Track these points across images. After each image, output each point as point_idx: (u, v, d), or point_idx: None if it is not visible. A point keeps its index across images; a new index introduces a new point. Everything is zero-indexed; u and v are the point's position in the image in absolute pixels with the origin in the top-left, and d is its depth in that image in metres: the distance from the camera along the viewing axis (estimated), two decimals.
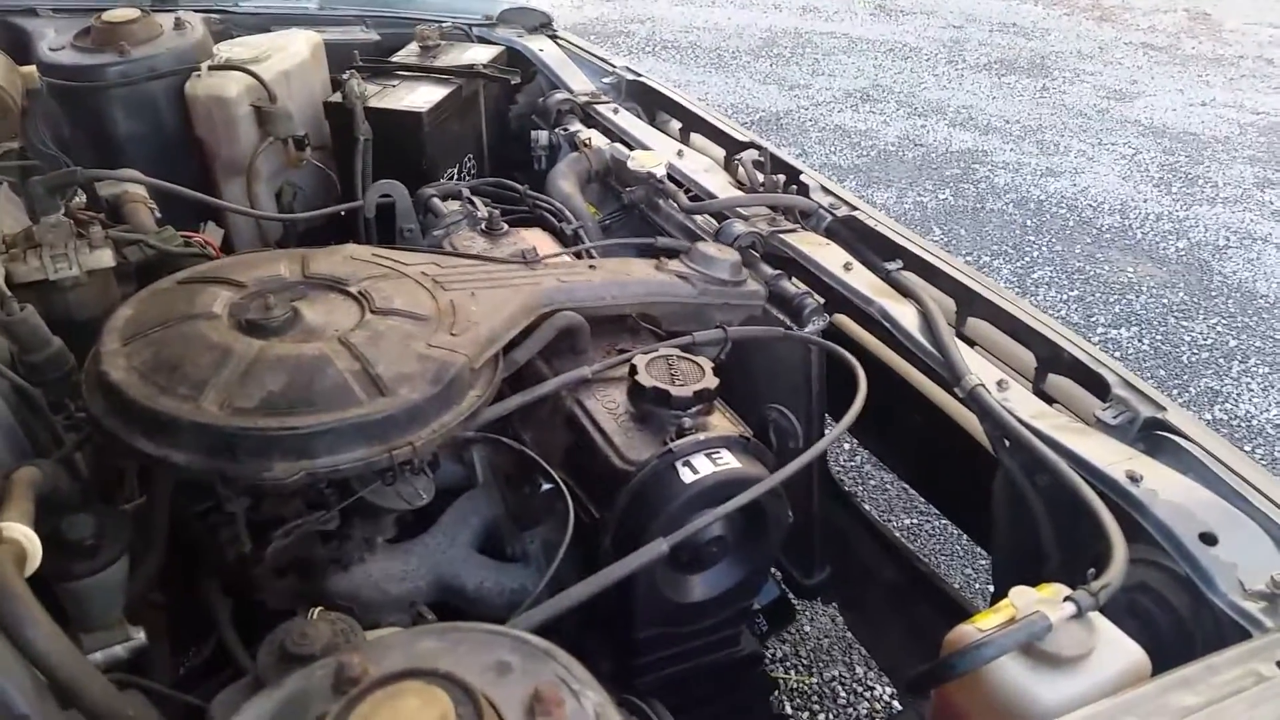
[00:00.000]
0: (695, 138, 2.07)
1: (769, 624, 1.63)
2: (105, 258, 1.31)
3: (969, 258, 3.92)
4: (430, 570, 1.26)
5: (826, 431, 1.55)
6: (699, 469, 1.12)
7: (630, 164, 1.80)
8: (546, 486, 1.24)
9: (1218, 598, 0.97)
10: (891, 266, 1.56)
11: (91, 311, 1.35)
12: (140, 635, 1.08)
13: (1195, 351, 3.38)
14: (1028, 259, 3.98)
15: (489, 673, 0.72)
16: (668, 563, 1.12)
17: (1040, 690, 0.89)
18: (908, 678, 0.97)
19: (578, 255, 1.56)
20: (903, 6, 7.34)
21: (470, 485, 1.36)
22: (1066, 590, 0.95)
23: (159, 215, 1.53)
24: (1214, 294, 3.75)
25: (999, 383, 1.30)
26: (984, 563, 2.47)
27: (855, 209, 1.68)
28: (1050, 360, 1.37)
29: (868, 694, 2.20)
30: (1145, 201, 4.49)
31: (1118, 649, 0.92)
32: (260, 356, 1.06)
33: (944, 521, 2.59)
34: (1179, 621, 1.02)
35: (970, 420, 1.40)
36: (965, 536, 2.54)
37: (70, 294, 1.33)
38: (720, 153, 1.95)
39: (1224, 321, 3.56)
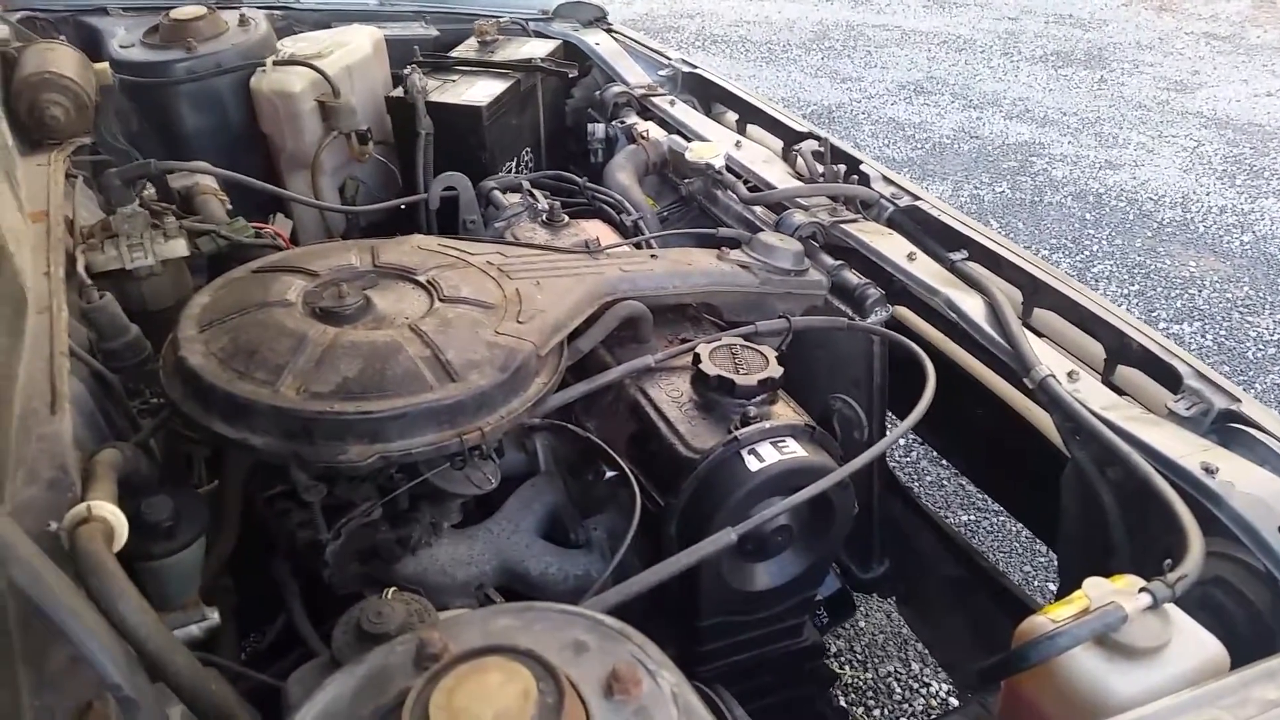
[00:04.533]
0: (752, 129, 2.06)
1: (830, 616, 1.62)
2: (180, 247, 1.34)
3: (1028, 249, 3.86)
4: (495, 555, 1.27)
5: (888, 424, 1.54)
6: (765, 457, 1.12)
7: (688, 155, 1.80)
8: (610, 474, 1.25)
9: None
10: (956, 257, 1.55)
11: (165, 300, 1.39)
12: (214, 616, 1.10)
13: (1261, 347, 3.29)
14: (1087, 253, 3.90)
15: (566, 651, 0.73)
16: (733, 551, 1.12)
17: (1115, 682, 0.87)
18: (978, 668, 0.96)
19: (638, 246, 1.56)
20: None
21: (533, 472, 1.37)
22: (1141, 582, 0.94)
23: (229, 207, 1.56)
24: None
25: (1069, 374, 1.28)
26: (1043, 560, 2.43)
27: (918, 199, 1.67)
28: (1120, 351, 1.35)
29: (923, 690, 2.18)
30: (1208, 194, 4.38)
31: (1195, 642, 0.91)
32: (335, 343, 1.08)
33: (1002, 518, 2.56)
34: (1256, 616, 1.00)
35: (1035, 413, 1.39)
36: (1023, 534, 2.50)
37: (145, 283, 1.36)
38: (778, 144, 1.95)
39: None
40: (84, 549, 0.79)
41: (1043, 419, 1.35)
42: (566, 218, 1.60)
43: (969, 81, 5.69)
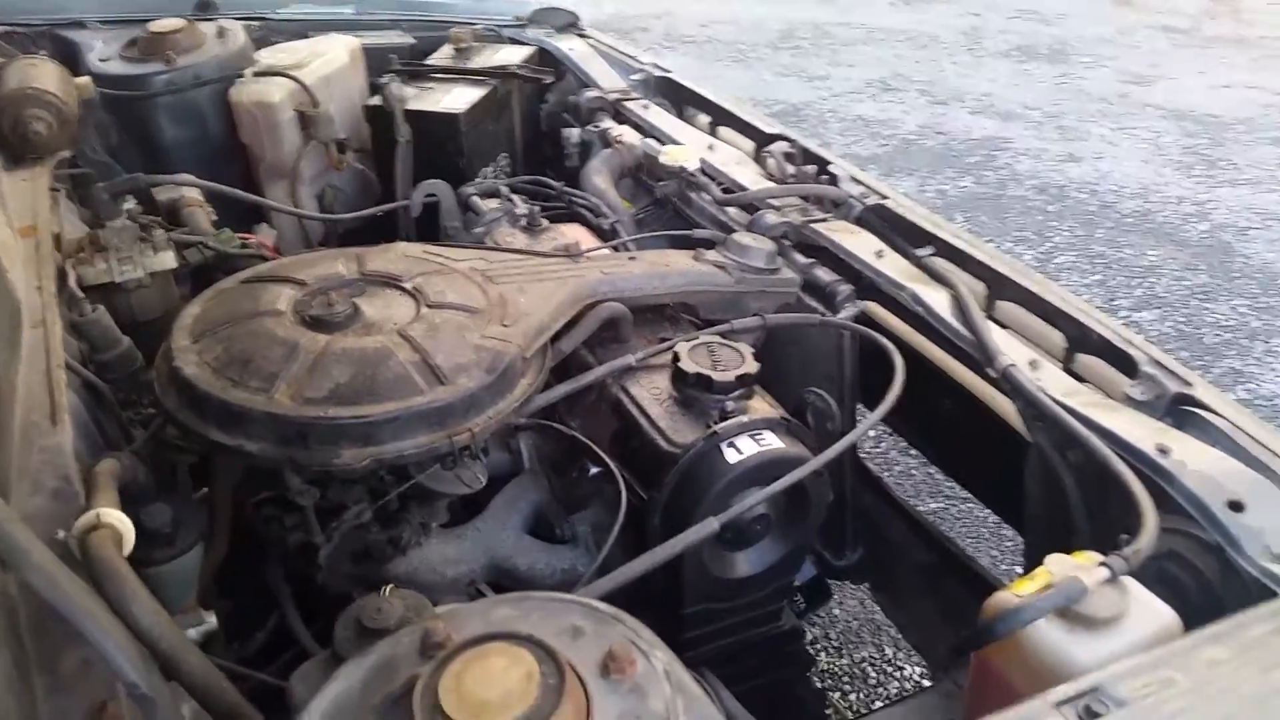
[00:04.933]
0: (723, 131, 2.11)
1: (806, 602, 1.68)
2: (168, 260, 1.37)
3: (992, 244, 3.94)
4: (484, 553, 1.32)
5: (859, 416, 1.60)
6: (743, 450, 1.17)
7: (662, 159, 1.85)
8: (595, 470, 1.30)
9: (1245, 562, 1.02)
10: (922, 253, 1.60)
11: (153, 311, 1.42)
12: (211, 619, 1.14)
13: (1218, 333, 3.39)
14: (1050, 244, 4.00)
15: (563, 636, 0.77)
16: (714, 540, 1.17)
17: (1076, 650, 0.93)
18: (951, 643, 1.01)
19: (615, 249, 1.61)
20: None
21: (516, 472, 1.42)
22: (1100, 557, 0.99)
23: (215, 218, 1.59)
24: (1236, 276, 3.76)
25: (1031, 363, 1.34)
26: (1010, 545, 2.51)
27: (885, 197, 1.72)
28: (1079, 340, 1.41)
29: (897, 674, 2.24)
30: (1167, 185, 4.49)
31: (1150, 611, 0.97)
32: (326, 350, 1.12)
33: (969, 505, 2.63)
34: (1207, 586, 1.07)
35: (1000, 401, 1.44)
36: (990, 519, 2.58)
37: (133, 295, 1.39)
38: (749, 145, 2.00)
39: (1247, 303, 3.57)
40: (96, 554, 0.82)
41: (1006, 407, 1.41)
42: (545, 222, 1.64)
43: (934, 78, 5.79)
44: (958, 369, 1.55)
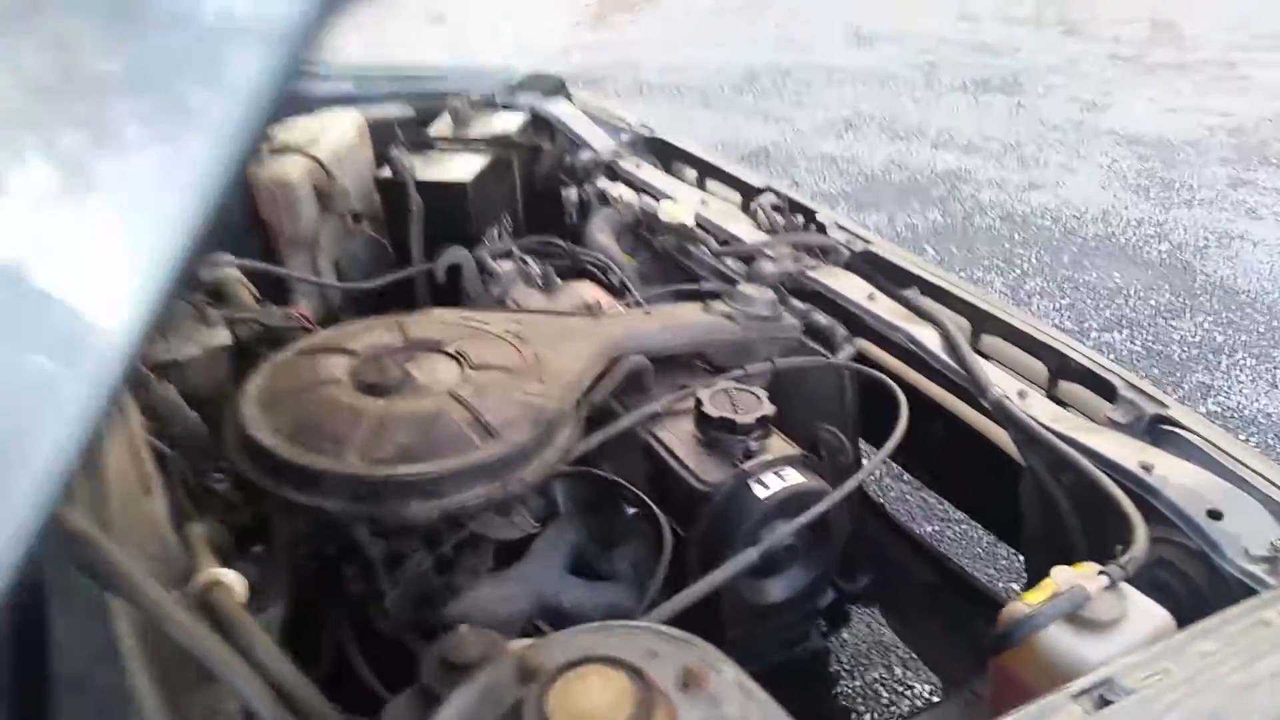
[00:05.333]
0: (711, 184, 2.25)
1: (829, 624, 1.78)
2: (223, 336, 1.48)
3: (961, 274, 4.11)
4: (531, 593, 1.41)
5: (862, 448, 1.72)
6: (769, 485, 1.29)
7: (661, 215, 1.97)
8: (631, 511, 1.41)
9: (1227, 564, 1.14)
10: (909, 293, 1.73)
11: (208, 387, 1.52)
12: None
13: (1185, 349, 3.56)
14: (1018, 271, 4.17)
15: (644, 657, 0.88)
16: (749, 571, 1.28)
17: (1084, 650, 1.05)
18: (985, 644, 1.12)
19: (626, 305, 1.73)
20: (877, 34, 7.61)
21: (553, 517, 1.52)
22: (1098, 567, 1.11)
23: (257, 295, 1.70)
24: (1198, 293, 3.94)
25: (1019, 393, 1.47)
26: (1005, 563, 2.63)
27: (870, 243, 1.86)
28: (1060, 369, 1.54)
29: (908, 692, 2.35)
30: (1126, 208, 4.70)
31: (1146, 612, 1.09)
32: (387, 414, 1.23)
33: (964, 527, 2.76)
34: (1195, 589, 1.19)
35: (992, 430, 1.57)
36: (984, 540, 2.70)
37: (189, 370, 1.49)
38: (737, 197, 2.13)
39: (1210, 318, 3.75)
40: (221, 608, 0.92)
41: (999, 434, 1.53)
42: (559, 280, 1.76)
43: (895, 114, 6.00)
44: (951, 401, 1.67)
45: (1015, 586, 2.47)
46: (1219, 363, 3.46)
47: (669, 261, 2.00)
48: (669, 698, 0.83)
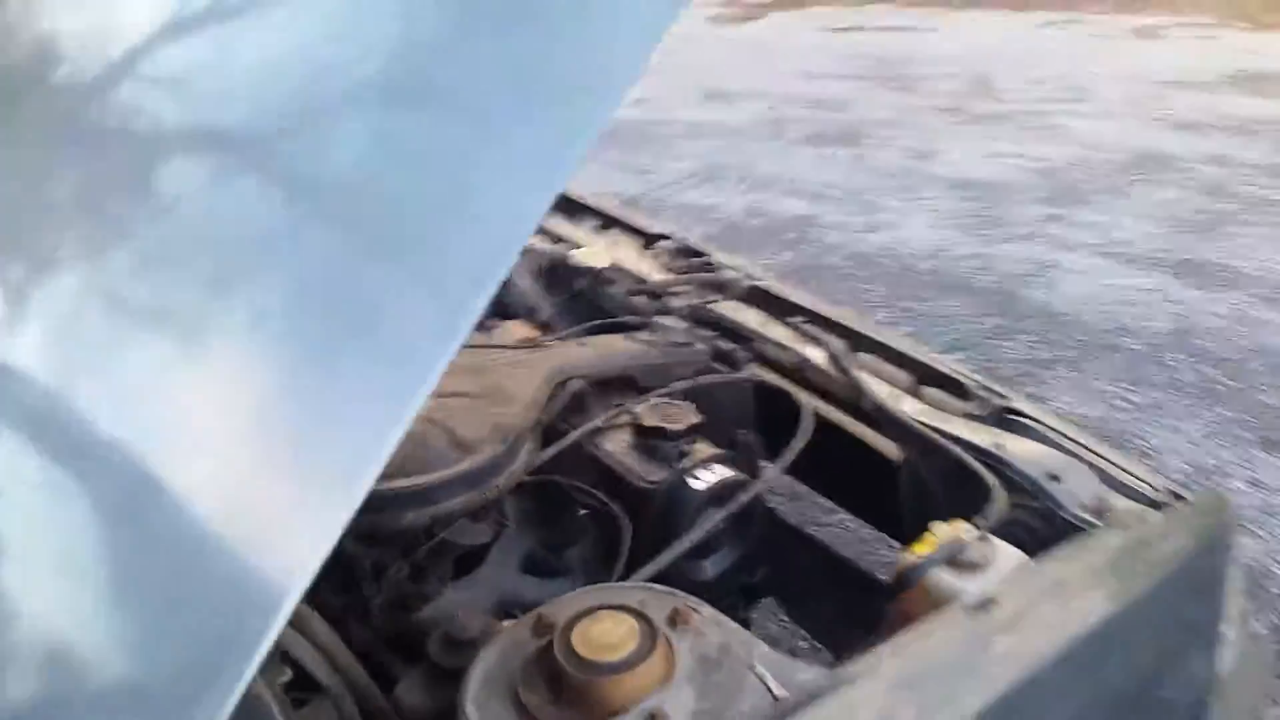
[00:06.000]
0: (611, 232, 2.51)
1: (746, 600, 2.02)
2: None
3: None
4: (493, 591, 1.61)
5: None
6: (703, 478, 1.54)
7: (576, 260, 2.22)
8: (582, 512, 1.63)
9: (1065, 514, 1.46)
10: (795, 320, 2.03)
11: None
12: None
13: (1014, 366, 4.05)
14: (866, 304, 4.61)
15: (639, 604, 1.11)
16: (689, 553, 1.52)
17: (963, 586, 1.34)
18: (890, 582, 1.39)
19: (559, 339, 1.97)
20: (729, 93, 8.14)
21: (505, 528, 1.73)
22: (969, 524, 1.41)
23: None
24: (1022, 316, 4.47)
25: (893, 396, 1.78)
26: (884, 554, 2.95)
27: (760, 279, 2.16)
28: (923, 376, 1.85)
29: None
30: (955, 245, 5.25)
31: (1008, 554, 1.38)
32: None
33: (849, 523, 3.07)
34: (1041, 536, 1.50)
35: (869, 434, 1.87)
36: (863, 532, 3.02)
37: None
38: (637, 243, 2.40)
39: (1034, 338, 4.27)
40: None
41: (876, 439, 1.83)
42: (498, 320, 1.98)
43: (749, 166, 6.47)
44: (833, 412, 1.97)
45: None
46: (1044, 376, 3.95)
47: (584, 301, 2.25)
48: (665, 633, 1.07)
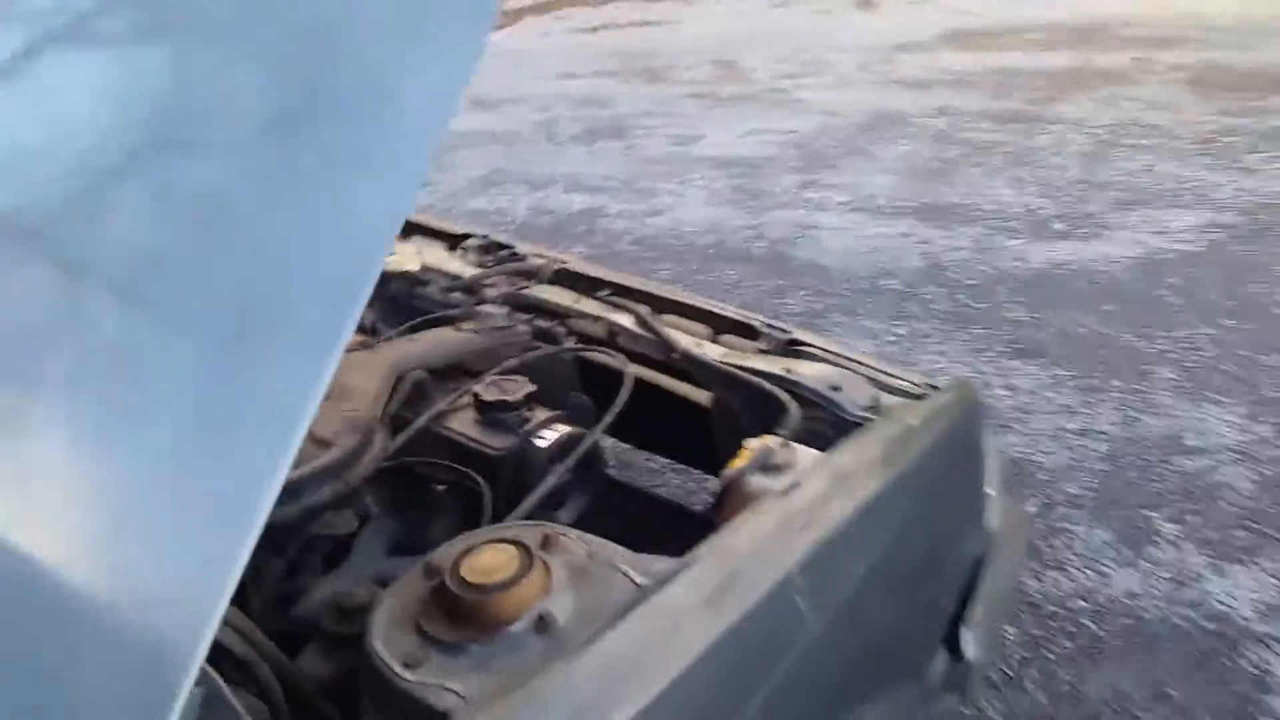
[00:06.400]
0: (417, 238, 2.65)
1: None
2: None
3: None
4: (365, 578, 1.73)
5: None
6: (546, 437, 1.73)
7: (385, 268, 2.35)
8: (441, 487, 1.78)
9: (846, 415, 1.75)
10: (604, 293, 2.26)
11: None
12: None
13: (796, 318, 4.45)
14: (657, 280, 4.90)
15: (514, 537, 1.29)
16: (541, 507, 1.71)
17: (775, 484, 1.59)
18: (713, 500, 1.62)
19: (386, 338, 2.10)
20: (497, 99, 8.29)
21: (368, 517, 1.85)
22: (773, 437, 1.67)
23: None
24: (795, 274, 4.90)
25: (696, 344, 2.03)
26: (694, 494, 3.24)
27: (565, 261, 2.37)
28: (718, 326, 2.13)
29: None
30: (729, 219, 5.65)
31: (806, 454, 1.65)
32: None
33: (669, 474, 3.34)
34: (829, 437, 1.79)
35: (680, 386, 2.12)
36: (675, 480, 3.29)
37: None
38: (444, 244, 2.56)
39: (807, 293, 4.70)
40: None
41: (686, 386, 2.08)
42: None
43: (526, 168, 6.67)
44: (647, 372, 2.21)
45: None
46: (821, 325, 4.38)
47: (402, 304, 2.38)
48: (539, 554, 1.25)
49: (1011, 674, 2.72)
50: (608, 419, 1.77)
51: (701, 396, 2.09)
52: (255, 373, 0.95)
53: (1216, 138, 6.01)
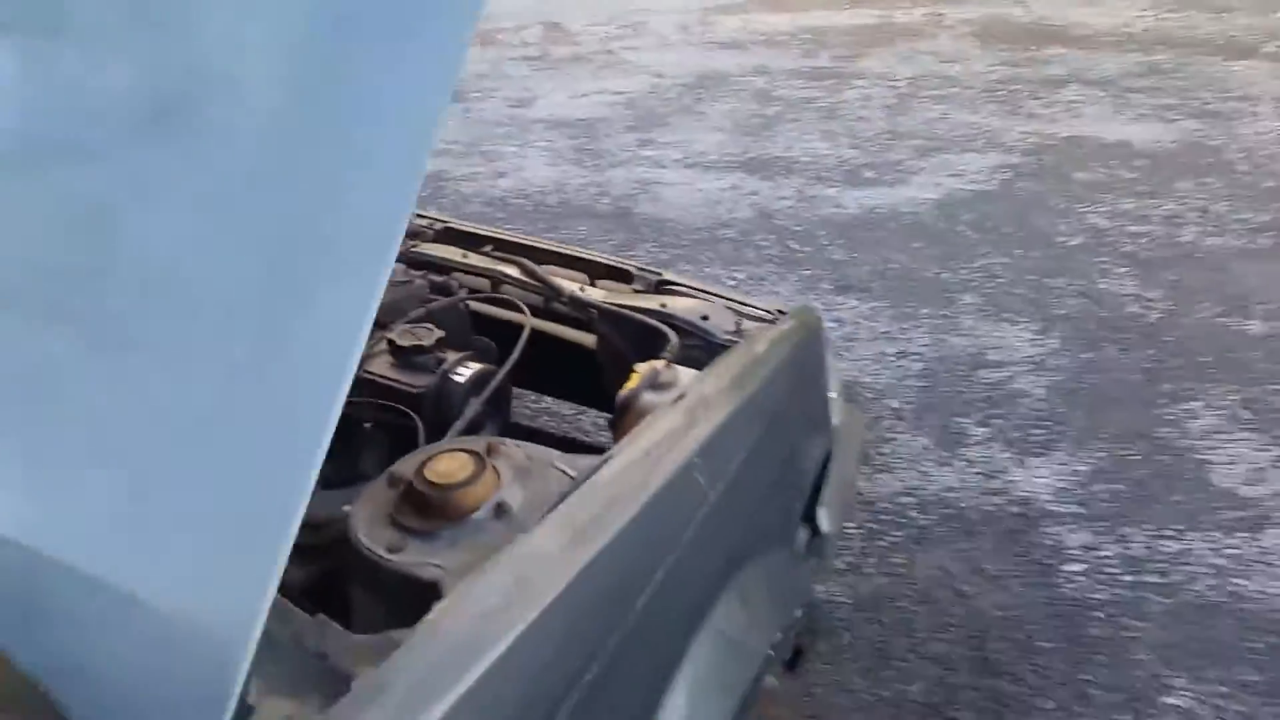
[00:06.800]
0: None
1: None
2: None
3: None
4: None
5: None
6: (461, 374, 1.97)
7: None
8: (366, 425, 2.00)
9: (716, 339, 2.07)
10: (486, 249, 2.50)
11: None
12: None
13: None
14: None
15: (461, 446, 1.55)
16: (462, 432, 1.96)
17: (661, 399, 1.90)
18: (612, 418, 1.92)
19: None
20: None
21: None
22: (657, 362, 1.98)
23: None
24: (639, 228, 5.23)
25: (580, 288, 2.31)
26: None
27: (448, 221, 2.59)
28: (596, 273, 2.41)
29: None
30: (572, 178, 5.91)
31: (687, 374, 1.94)
32: None
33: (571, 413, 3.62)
34: (695, 359, 2.11)
35: (568, 332, 2.38)
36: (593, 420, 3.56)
37: None
38: None
39: (653, 244, 5.03)
40: None
41: (574, 333, 2.35)
42: None
43: None
44: (533, 320, 2.46)
45: None
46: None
47: None
48: (487, 460, 1.52)
49: (854, 561, 3.18)
50: (514, 356, 2.03)
51: (587, 340, 2.36)
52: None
53: (1001, 86, 6.70)
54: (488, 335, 2.30)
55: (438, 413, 1.95)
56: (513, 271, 2.38)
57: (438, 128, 1.03)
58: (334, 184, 1.08)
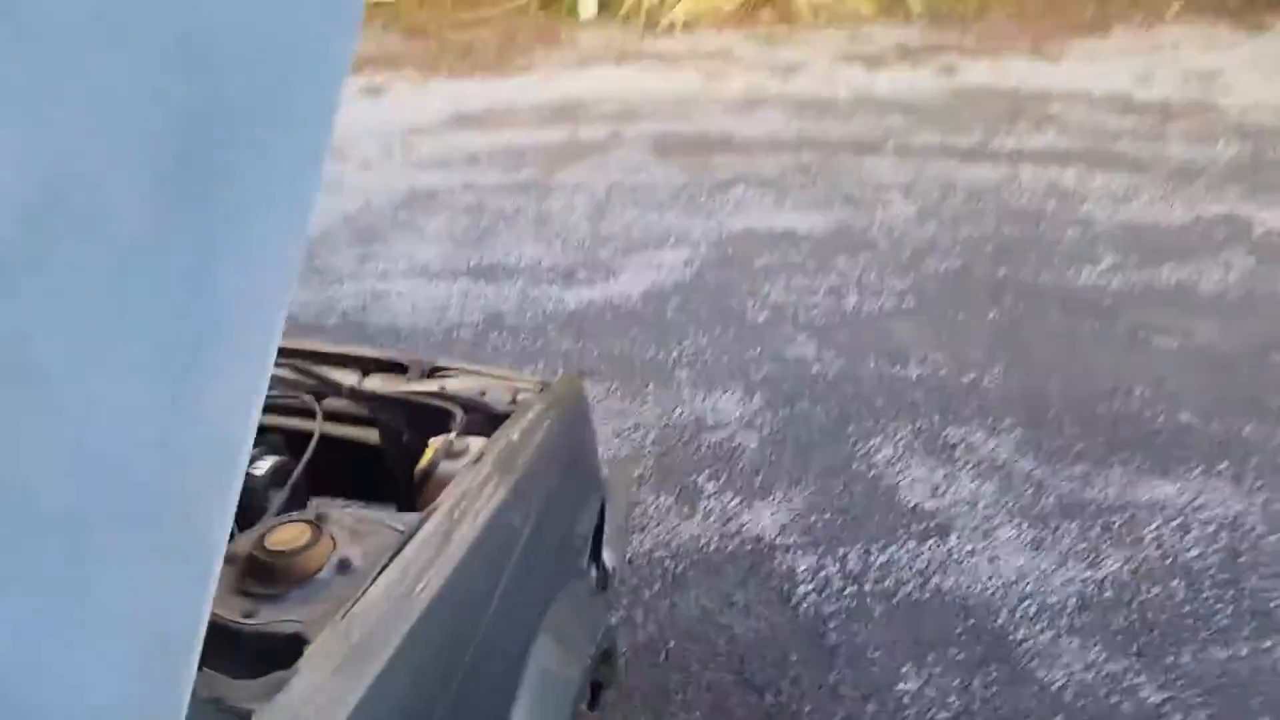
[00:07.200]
0: None
1: None
2: None
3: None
4: None
5: None
6: (260, 467, 2.09)
7: None
8: None
9: (497, 411, 2.34)
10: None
11: None
12: None
13: None
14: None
15: (297, 516, 1.70)
16: None
17: (460, 464, 2.13)
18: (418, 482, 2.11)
19: None
20: None
21: None
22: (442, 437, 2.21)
23: None
24: (374, 338, 5.37)
25: (358, 380, 2.49)
26: None
27: None
28: (368, 368, 2.59)
29: None
30: (297, 295, 5.94)
31: (476, 441, 2.21)
32: None
33: None
34: (489, 431, 2.36)
35: (351, 431, 2.53)
36: None
37: None
38: None
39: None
40: None
41: (358, 431, 2.51)
42: None
43: None
44: (318, 425, 2.58)
45: None
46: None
47: None
48: (321, 526, 1.68)
49: (625, 615, 3.48)
50: (306, 457, 2.15)
51: (370, 435, 2.51)
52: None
53: (682, 190, 7.54)
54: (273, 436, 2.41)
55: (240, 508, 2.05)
56: (286, 373, 2.52)
57: (311, 213, 1.00)
58: (208, 279, 1.18)
